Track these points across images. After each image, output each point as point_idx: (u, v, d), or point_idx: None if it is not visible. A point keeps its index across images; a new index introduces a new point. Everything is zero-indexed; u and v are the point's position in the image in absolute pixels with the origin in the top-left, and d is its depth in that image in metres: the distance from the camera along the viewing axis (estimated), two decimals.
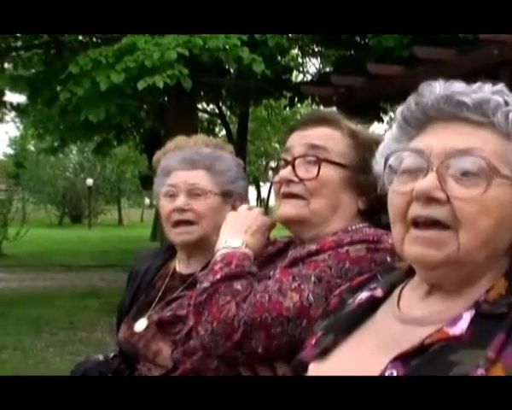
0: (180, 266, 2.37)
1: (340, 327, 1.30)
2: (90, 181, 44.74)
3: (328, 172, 1.80)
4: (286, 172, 1.83)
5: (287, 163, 1.85)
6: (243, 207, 2.04)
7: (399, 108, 1.27)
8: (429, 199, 1.14)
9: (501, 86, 1.21)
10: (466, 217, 1.13)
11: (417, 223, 1.16)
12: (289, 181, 1.83)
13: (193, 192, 2.28)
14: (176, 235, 2.29)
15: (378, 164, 1.30)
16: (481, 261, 1.15)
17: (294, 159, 1.83)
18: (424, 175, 1.15)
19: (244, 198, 2.35)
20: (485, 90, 1.19)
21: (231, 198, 2.32)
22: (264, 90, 15.35)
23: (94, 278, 15.53)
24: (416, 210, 1.16)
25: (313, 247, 1.74)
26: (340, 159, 1.80)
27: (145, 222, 49.35)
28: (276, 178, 1.88)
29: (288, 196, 1.84)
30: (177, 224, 2.28)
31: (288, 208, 1.83)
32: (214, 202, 2.28)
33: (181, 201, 2.26)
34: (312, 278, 1.65)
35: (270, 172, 1.97)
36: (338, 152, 1.81)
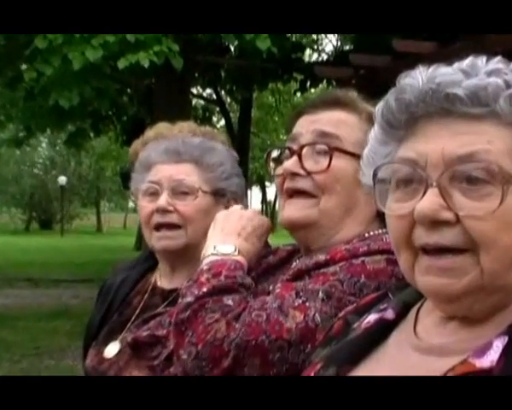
0: (162, 279, 2.35)
1: (344, 357, 1.27)
2: (62, 179, 44.96)
3: (340, 164, 1.78)
4: (290, 164, 1.82)
5: (292, 153, 1.83)
6: (236, 207, 2.01)
7: (378, 106, 1.23)
8: (435, 222, 1.11)
9: (497, 62, 1.15)
10: (483, 237, 1.10)
11: (426, 249, 1.14)
12: (294, 174, 1.82)
13: (178, 190, 2.26)
14: (156, 240, 2.27)
15: (365, 175, 1.27)
16: None
17: (301, 147, 1.82)
18: (423, 192, 1.12)
19: (240, 198, 2.33)
20: (480, 72, 1.14)
21: (224, 198, 2.30)
22: (271, 72, 15.37)
23: (65, 294, 15.57)
24: (422, 237, 1.13)
25: (322, 257, 1.73)
26: (356, 148, 1.77)
27: (128, 229, 49.55)
28: (279, 171, 1.87)
29: (292, 192, 1.82)
30: (159, 227, 2.26)
31: (294, 210, 1.82)
32: (203, 203, 2.26)
33: (163, 200, 2.24)
34: (320, 295, 1.63)
35: (272, 164, 1.95)
36: (353, 140, 1.79)
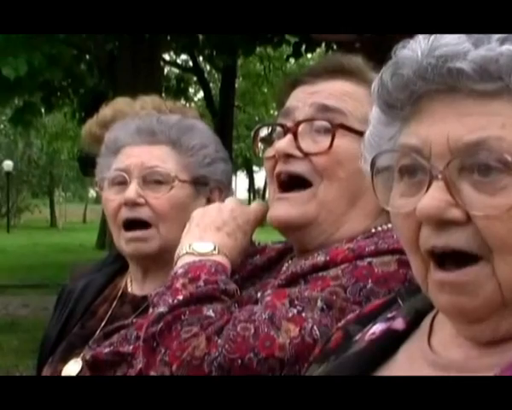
0: (133, 285, 2.35)
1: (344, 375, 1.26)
2: (8, 164, 44.78)
3: (344, 144, 1.77)
4: (284, 143, 1.81)
5: (286, 130, 1.82)
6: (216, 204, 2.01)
7: (374, 83, 1.22)
8: (442, 222, 1.10)
9: None
10: (498, 240, 1.09)
11: (435, 255, 1.13)
12: (289, 156, 1.80)
13: (150, 179, 2.25)
14: (126, 242, 2.25)
15: (368, 162, 1.25)
16: None
17: (297, 124, 1.81)
18: (428, 185, 1.11)
19: (225, 188, 2.32)
20: (491, 38, 1.11)
21: (206, 188, 2.29)
22: (258, 34, 15.32)
23: (13, 303, 15.52)
24: (429, 238, 1.12)
25: (321, 258, 1.72)
26: (363, 126, 1.75)
27: (89, 223, 49.54)
28: (270, 152, 1.86)
29: (285, 178, 1.81)
30: (128, 225, 2.25)
31: (287, 208, 1.81)
32: (180, 194, 2.25)
33: (132, 191, 2.22)
34: (319, 303, 1.62)
35: (261, 145, 1.94)
36: (360, 116, 1.78)
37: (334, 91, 1.83)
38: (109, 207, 2.29)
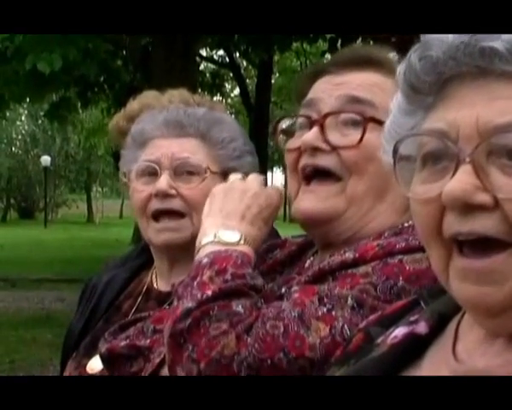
0: (158, 280, 2.35)
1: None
2: (46, 159, 45.05)
3: (374, 137, 1.70)
4: (311, 136, 1.76)
5: (312, 122, 1.78)
6: (237, 177, 1.97)
7: (400, 68, 1.20)
8: (469, 206, 1.07)
9: None
10: None
11: (460, 242, 1.09)
12: (315, 149, 1.76)
13: (182, 170, 2.25)
14: (156, 232, 2.24)
15: (387, 152, 1.24)
16: None
17: (325, 116, 1.77)
18: (454, 169, 1.08)
19: None
20: None
21: None
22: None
23: (48, 297, 15.68)
24: (454, 224, 1.09)
25: (349, 254, 1.68)
26: None
27: (125, 219, 49.70)
28: (293, 144, 1.82)
29: (311, 172, 1.78)
30: (158, 216, 2.25)
31: (316, 201, 1.77)
32: (212, 186, 2.20)
33: (164, 182, 2.22)
34: (349, 301, 1.59)
35: (281, 137, 1.90)
36: (389, 109, 1.75)
37: (363, 82, 1.79)
38: (138, 199, 2.29)
